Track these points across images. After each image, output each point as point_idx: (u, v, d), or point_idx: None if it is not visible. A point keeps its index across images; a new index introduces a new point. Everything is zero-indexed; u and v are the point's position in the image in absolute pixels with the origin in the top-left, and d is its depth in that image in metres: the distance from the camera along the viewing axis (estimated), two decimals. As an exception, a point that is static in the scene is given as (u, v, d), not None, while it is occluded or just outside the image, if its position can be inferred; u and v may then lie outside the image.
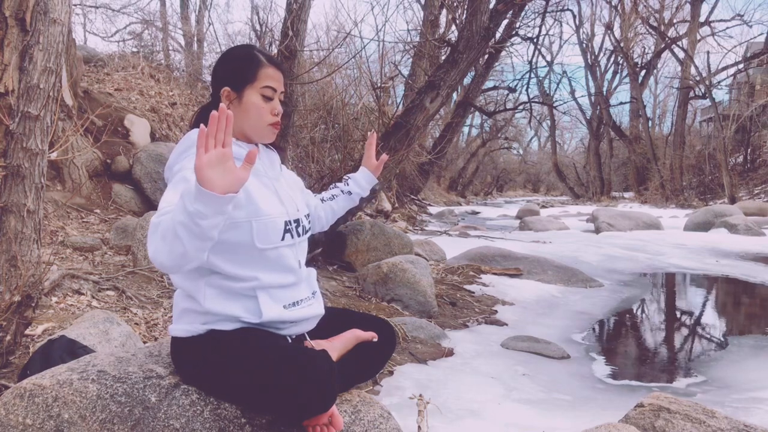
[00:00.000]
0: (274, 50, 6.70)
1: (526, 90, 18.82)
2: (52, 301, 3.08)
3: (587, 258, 7.15)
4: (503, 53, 16.94)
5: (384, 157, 1.95)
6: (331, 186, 1.93)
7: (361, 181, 1.91)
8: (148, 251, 1.22)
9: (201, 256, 1.20)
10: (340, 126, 7.25)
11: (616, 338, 4.25)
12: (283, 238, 1.45)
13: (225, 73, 1.51)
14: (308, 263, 1.64)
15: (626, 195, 26.59)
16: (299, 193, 1.65)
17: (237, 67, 1.50)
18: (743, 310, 5.26)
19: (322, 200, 1.85)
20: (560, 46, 68.33)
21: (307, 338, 1.55)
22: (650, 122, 27.54)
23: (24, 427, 1.36)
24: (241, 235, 1.40)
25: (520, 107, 20.32)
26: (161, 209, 1.24)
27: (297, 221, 1.52)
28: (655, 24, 22.76)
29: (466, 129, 30.86)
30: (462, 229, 10.87)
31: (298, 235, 1.52)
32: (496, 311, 4.54)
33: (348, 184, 1.90)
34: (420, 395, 2.06)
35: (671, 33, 23.01)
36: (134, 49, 13.13)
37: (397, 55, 12.40)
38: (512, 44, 15.95)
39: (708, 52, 22.88)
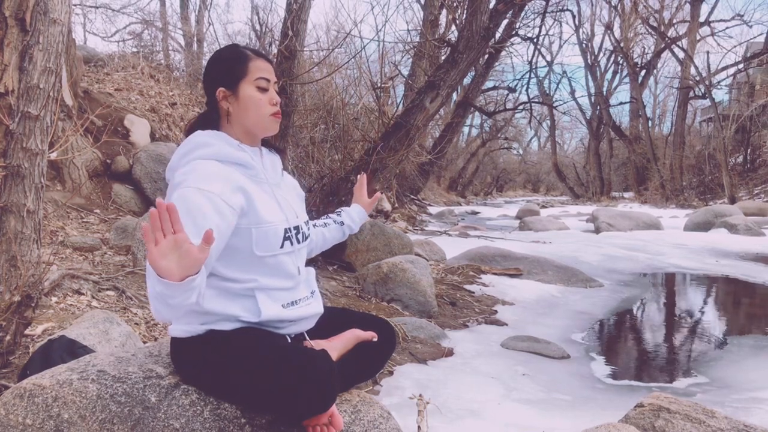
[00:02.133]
0: (274, 50, 6.69)
1: (526, 90, 18.84)
2: (52, 301, 3.08)
3: (587, 258, 7.15)
4: (503, 53, 16.93)
5: (377, 195, 1.98)
6: (323, 216, 1.92)
7: (354, 216, 1.91)
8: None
9: (187, 310, 1.23)
10: (340, 126, 7.24)
11: (616, 338, 4.25)
12: (282, 246, 1.45)
13: (216, 75, 1.51)
14: (308, 263, 1.64)
15: (626, 195, 26.59)
16: (298, 199, 1.64)
17: (227, 66, 1.50)
18: (743, 310, 5.26)
19: (314, 225, 1.83)
20: (560, 46, 68.39)
21: (307, 338, 1.55)
22: (650, 122, 27.55)
23: (24, 427, 1.36)
24: (240, 242, 1.40)
25: (520, 107, 20.32)
26: None
27: (297, 228, 1.51)
28: (655, 24, 22.76)
29: (466, 129, 30.89)
30: (462, 229, 10.87)
31: (298, 242, 1.51)
32: (496, 311, 4.54)
33: (340, 215, 1.90)
34: (420, 395, 2.06)
35: (671, 33, 23.01)
36: (134, 49, 13.13)
37: (397, 55, 12.41)
38: (512, 44, 15.97)
39: (708, 52, 22.85)
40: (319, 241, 1.83)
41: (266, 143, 1.62)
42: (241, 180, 1.42)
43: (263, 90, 1.50)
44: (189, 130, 1.52)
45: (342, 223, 1.88)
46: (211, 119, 1.53)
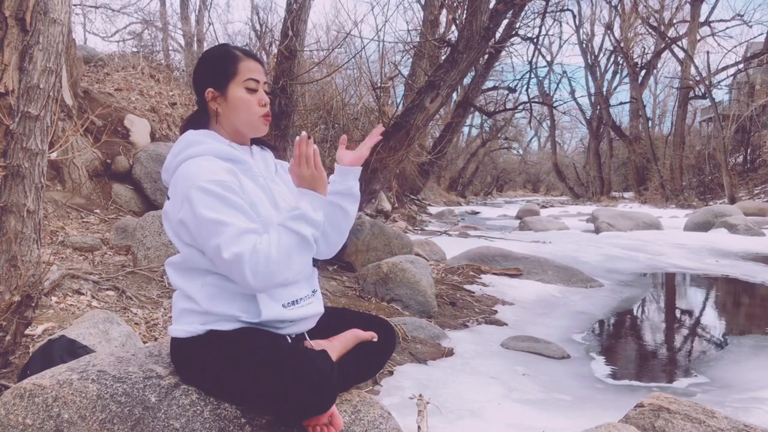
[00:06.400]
0: (274, 50, 6.69)
1: (526, 90, 18.76)
2: (52, 301, 3.07)
3: (587, 258, 7.15)
4: (503, 53, 16.90)
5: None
6: None
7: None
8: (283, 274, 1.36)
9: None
10: (340, 126, 7.25)
11: (616, 338, 4.25)
12: None
13: (206, 75, 1.51)
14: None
15: (626, 195, 26.58)
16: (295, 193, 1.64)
17: (216, 67, 1.50)
18: (743, 310, 5.26)
19: None
20: (560, 46, 68.12)
21: (307, 338, 1.54)
22: (650, 122, 27.56)
23: (24, 427, 1.36)
24: None
25: (520, 107, 20.26)
26: (246, 236, 1.32)
27: None
28: (655, 24, 22.75)
29: (466, 129, 30.83)
30: (462, 229, 10.87)
31: None
32: (496, 311, 4.54)
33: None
34: (420, 395, 2.06)
35: (671, 33, 23.00)
36: (134, 49, 13.13)
37: (397, 55, 12.40)
38: (512, 44, 15.92)
39: (708, 52, 22.88)
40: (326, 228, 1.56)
41: (256, 140, 1.61)
42: (237, 174, 1.42)
43: (252, 91, 1.49)
44: (182, 130, 1.53)
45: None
46: (201, 119, 1.52)
